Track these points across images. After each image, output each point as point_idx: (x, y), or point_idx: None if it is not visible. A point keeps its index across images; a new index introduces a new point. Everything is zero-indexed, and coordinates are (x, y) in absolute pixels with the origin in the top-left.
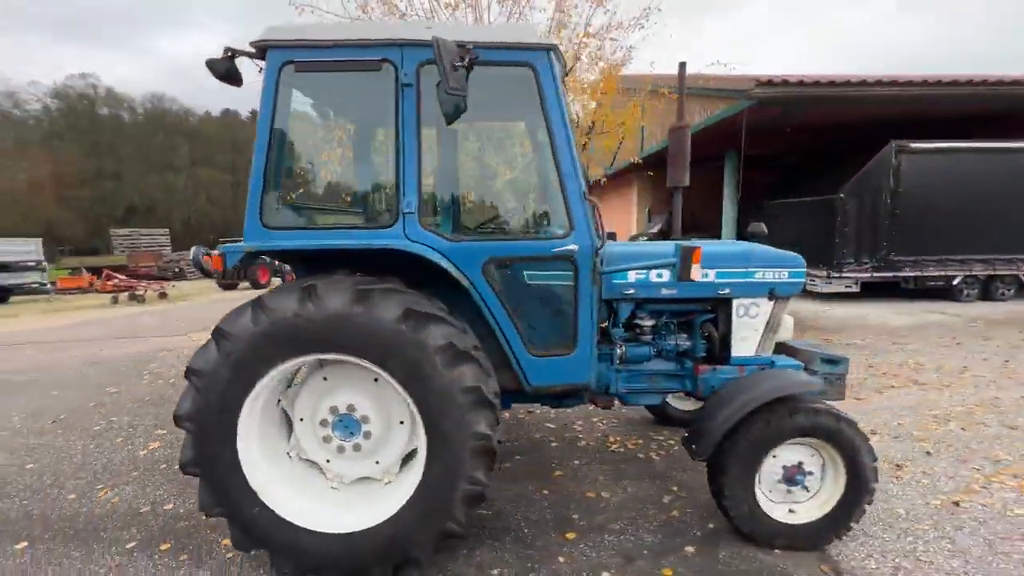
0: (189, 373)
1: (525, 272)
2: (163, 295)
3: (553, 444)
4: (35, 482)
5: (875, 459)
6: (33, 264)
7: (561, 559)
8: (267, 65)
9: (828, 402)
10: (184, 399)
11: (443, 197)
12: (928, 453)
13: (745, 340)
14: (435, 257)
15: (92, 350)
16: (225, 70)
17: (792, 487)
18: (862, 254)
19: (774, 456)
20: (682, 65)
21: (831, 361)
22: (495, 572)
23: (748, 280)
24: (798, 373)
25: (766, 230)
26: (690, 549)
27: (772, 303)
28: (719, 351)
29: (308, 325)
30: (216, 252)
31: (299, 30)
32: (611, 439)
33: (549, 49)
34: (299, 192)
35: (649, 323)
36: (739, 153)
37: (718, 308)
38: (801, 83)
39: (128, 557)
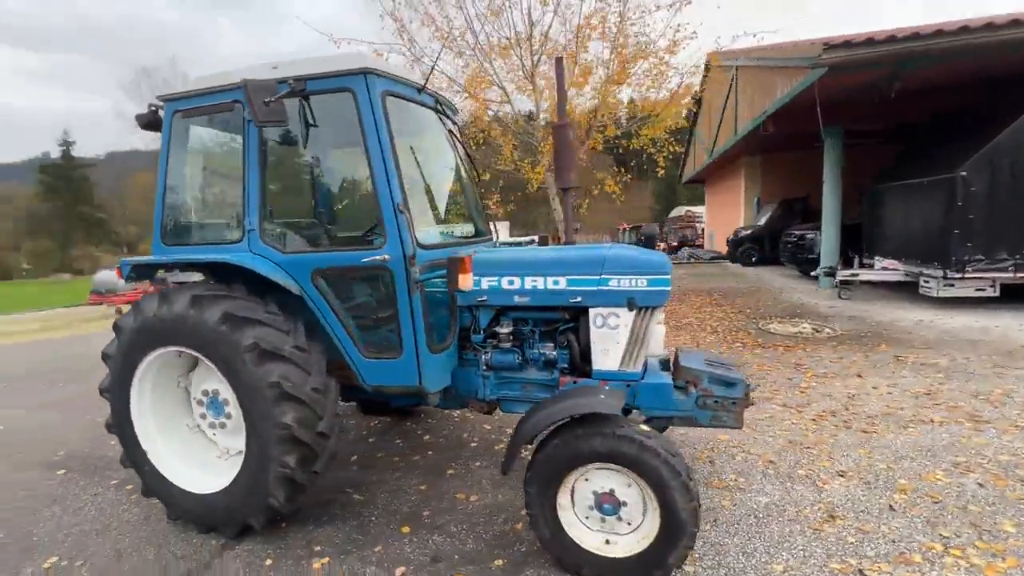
0: (104, 357)
1: (351, 281)
2: None
3: (473, 444)
4: None
5: (692, 500)
6: None
7: (378, 548)
8: (165, 114)
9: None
10: (104, 377)
11: (285, 215)
12: (891, 507)
13: (606, 353)
14: (263, 270)
15: None
16: (147, 121)
17: (607, 516)
18: (997, 249)
19: (586, 480)
20: (559, 60)
21: (724, 383)
22: (317, 549)
23: (602, 288)
24: (597, 392)
25: (658, 231)
26: (499, 563)
27: (633, 314)
28: (581, 363)
29: (161, 324)
30: (117, 266)
31: (188, 85)
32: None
33: (365, 73)
34: (186, 214)
35: (506, 330)
36: (842, 130)
37: (578, 318)
38: (871, 41)
39: None
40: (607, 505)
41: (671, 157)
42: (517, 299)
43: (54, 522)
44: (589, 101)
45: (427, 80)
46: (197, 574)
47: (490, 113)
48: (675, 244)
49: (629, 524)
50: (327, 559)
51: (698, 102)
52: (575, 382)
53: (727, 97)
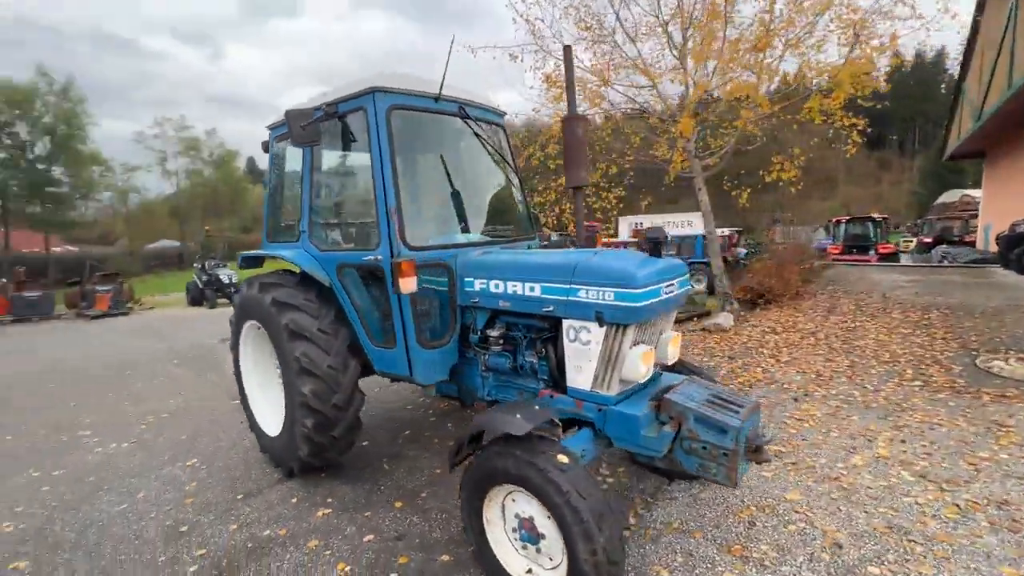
0: (229, 322)
1: (361, 277)
2: None
3: None
4: None
5: (594, 552)
6: None
7: (368, 513)
8: (270, 137)
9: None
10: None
11: (326, 218)
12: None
13: (579, 370)
14: (302, 263)
15: None
16: (266, 145)
17: (528, 544)
18: None
19: (513, 499)
20: (567, 48)
21: (715, 427)
22: (329, 501)
23: (572, 298)
24: (518, 409)
25: (667, 235)
26: (444, 558)
27: (603, 330)
28: (559, 377)
29: (247, 302)
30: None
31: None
32: None
33: (373, 92)
34: (279, 217)
35: (495, 333)
36: None
37: (557, 328)
38: None
39: None
40: (526, 532)
41: (865, 133)
42: (501, 304)
43: (209, 438)
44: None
45: (441, 88)
46: (251, 494)
47: (639, 99)
48: (928, 241)
49: (551, 560)
50: (329, 511)
51: (967, 48)
52: (552, 396)
53: (1003, 36)
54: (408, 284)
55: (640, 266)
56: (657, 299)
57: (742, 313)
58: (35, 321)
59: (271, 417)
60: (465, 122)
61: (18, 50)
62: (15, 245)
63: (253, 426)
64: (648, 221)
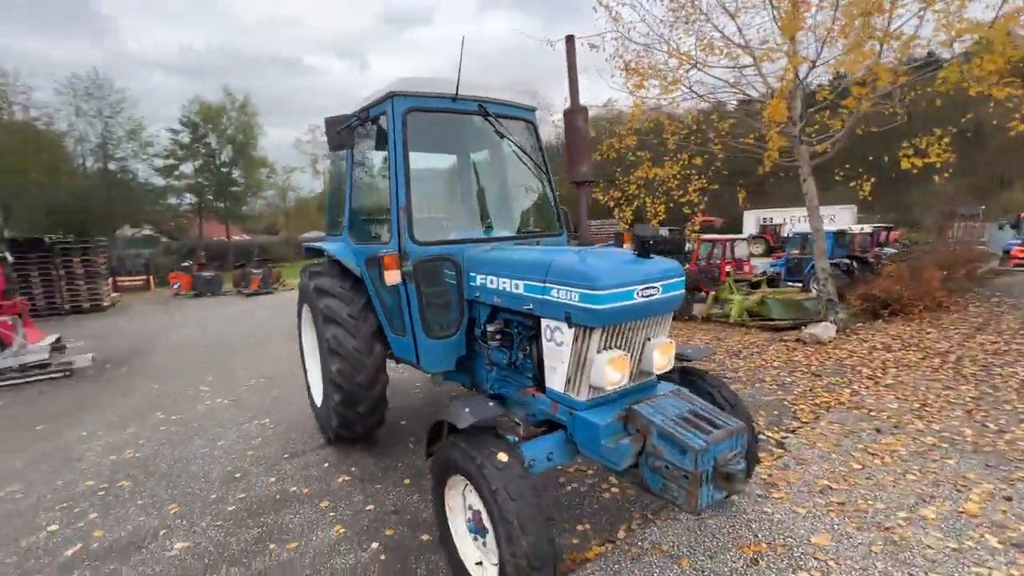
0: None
1: (380, 270)
2: None
3: None
4: None
5: (515, 555)
6: None
7: (379, 486)
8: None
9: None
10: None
11: (361, 215)
12: None
13: (554, 370)
14: (338, 255)
15: None
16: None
17: (477, 536)
18: None
19: (471, 490)
20: (569, 39)
21: (678, 447)
22: (353, 471)
23: (546, 298)
24: (468, 404)
25: (659, 232)
26: (425, 537)
27: (573, 331)
28: (539, 377)
29: (302, 288)
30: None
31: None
32: None
33: (391, 96)
34: (335, 213)
35: (493, 328)
36: None
37: (538, 327)
38: None
39: None
40: (474, 524)
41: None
42: (495, 299)
43: (285, 403)
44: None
45: (457, 89)
46: (295, 454)
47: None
48: None
49: (494, 554)
50: (348, 479)
51: None
52: (533, 395)
53: None
54: (392, 276)
55: (609, 267)
56: (628, 303)
57: (855, 324)
58: (208, 296)
59: (318, 390)
60: (487, 119)
61: (217, 75)
62: (206, 233)
63: (308, 394)
64: (781, 216)
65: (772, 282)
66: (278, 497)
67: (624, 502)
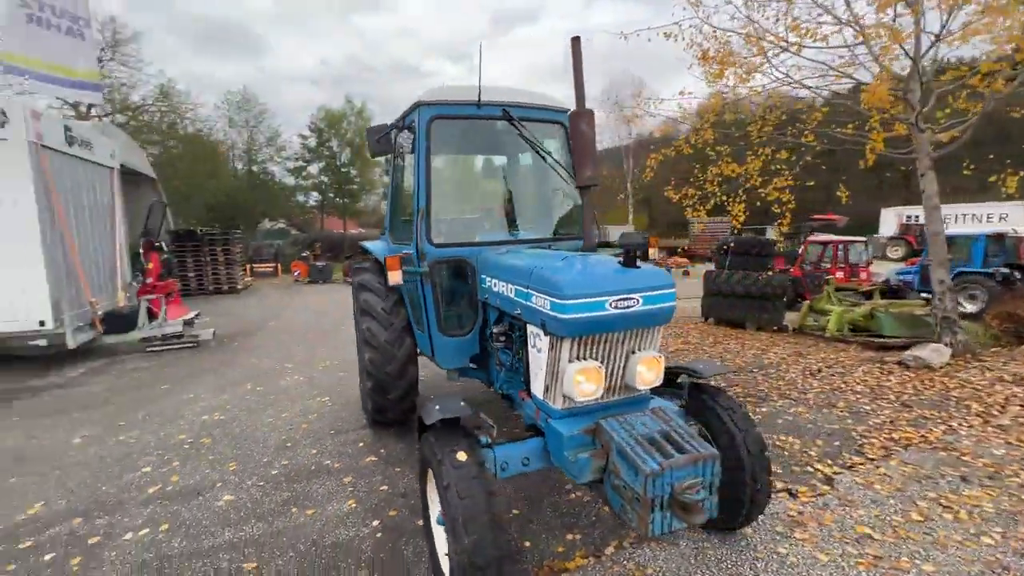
0: None
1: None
2: (686, 272)
3: None
4: None
5: (460, 551)
6: None
7: (398, 469)
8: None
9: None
10: None
11: (399, 216)
12: None
13: (536, 376)
14: (377, 254)
15: None
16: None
17: (444, 528)
18: None
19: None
20: (575, 40)
21: (632, 467)
22: (381, 452)
23: (528, 303)
24: (439, 401)
25: (643, 239)
26: (421, 522)
27: (548, 339)
28: (528, 381)
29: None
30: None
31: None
32: None
33: (418, 106)
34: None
35: (497, 330)
36: None
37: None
38: None
39: None
40: (441, 516)
41: None
42: (497, 302)
43: (346, 385)
44: None
45: (479, 96)
46: (340, 432)
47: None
48: None
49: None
50: (375, 459)
51: None
52: (523, 399)
53: None
54: (394, 277)
55: (580, 276)
56: (598, 313)
57: (983, 349)
58: (320, 283)
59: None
60: (511, 124)
61: (346, 84)
62: (327, 227)
63: (361, 381)
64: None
65: (892, 293)
66: (313, 468)
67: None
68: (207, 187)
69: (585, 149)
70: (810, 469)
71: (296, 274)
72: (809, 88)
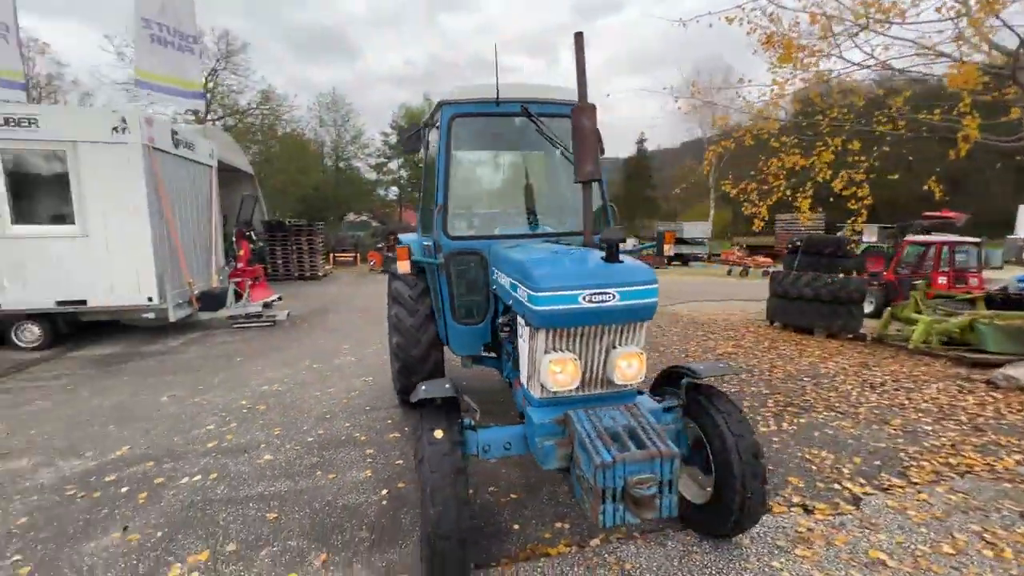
0: None
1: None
2: (766, 273)
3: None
4: None
5: (427, 520)
6: (701, 240)
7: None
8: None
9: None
10: None
11: (428, 210)
12: None
13: (522, 365)
14: (410, 244)
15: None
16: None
17: None
18: None
19: None
20: (578, 35)
21: (588, 458)
22: (406, 430)
23: (515, 294)
24: (426, 384)
25: (623, 236)
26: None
27: (528, 330)
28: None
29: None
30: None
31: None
32: None
33: (441, 105)
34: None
35: (502, 320)
36: None
37: None
38: None
39: None
40: None
41: None
42: (500, 292)
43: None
44: None
45: (497, 93)
46: (374, 408)
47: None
48: None
49: None
50: (399, 435)
51: None
52: (518, 387)
53: None
54: (403, 267)
55: (554, 269)
56: (570, 306)
57: None
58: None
59: None
60: (530, 120)
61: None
62: (404, 219)
63: None
64: None
65: (1001, 302)
66: (343, 439)
67: None
68: (300, 182)
69: (587, 144)
70: (837, 487)
71: (371, 263)
72: (899, 71)
